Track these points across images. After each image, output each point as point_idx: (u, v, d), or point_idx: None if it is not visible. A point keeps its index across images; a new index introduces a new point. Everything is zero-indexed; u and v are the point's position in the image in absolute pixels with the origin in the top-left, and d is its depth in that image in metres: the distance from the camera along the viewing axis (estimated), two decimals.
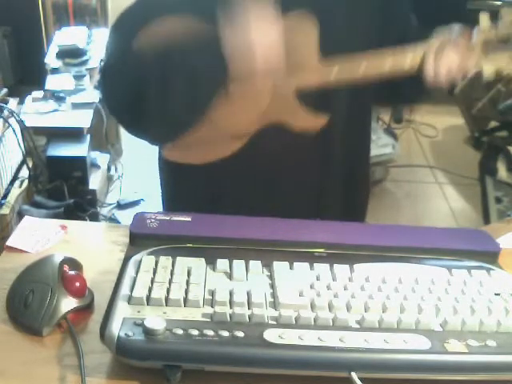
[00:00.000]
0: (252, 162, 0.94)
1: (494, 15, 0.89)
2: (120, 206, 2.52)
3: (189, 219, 0.79)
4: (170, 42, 0.83)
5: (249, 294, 0.65)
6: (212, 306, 0.63)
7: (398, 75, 0.88)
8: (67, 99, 2.35)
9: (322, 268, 0.72)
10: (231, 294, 0.65)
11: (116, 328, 0.59)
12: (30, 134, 2.02)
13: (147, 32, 0.85)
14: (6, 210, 1.83)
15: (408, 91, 1.01)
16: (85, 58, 2.64)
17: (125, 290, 0.64)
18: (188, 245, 0.75)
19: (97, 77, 2.57)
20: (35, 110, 2.27)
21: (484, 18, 0.89)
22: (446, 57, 0.87)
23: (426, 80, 0.89)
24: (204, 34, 0.82)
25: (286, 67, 0.84)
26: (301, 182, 1.01)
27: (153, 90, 0.83)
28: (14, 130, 1.95)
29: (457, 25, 0.90)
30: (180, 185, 1.06)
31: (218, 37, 0.80)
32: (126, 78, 0.85)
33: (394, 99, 1.05)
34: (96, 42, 2.80)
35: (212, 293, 0.66)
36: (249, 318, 0.62)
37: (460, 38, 0.88)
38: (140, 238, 0.75)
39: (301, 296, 0.66)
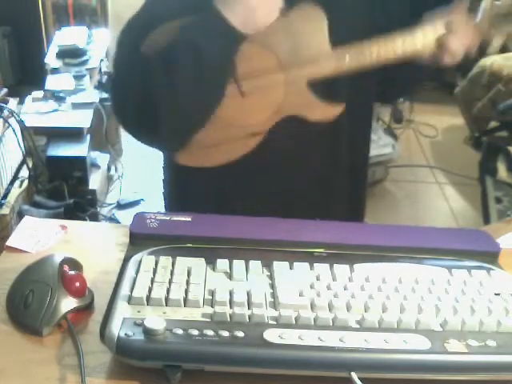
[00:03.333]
0: (262, 163, 0.94)
1: None
2: (120, 206, 2.52)
3: (189, 219, 0.79)
4: (172, 37, 0.83)
5: (249, 294, 0.65)
6: (212, 306, 0.63)
7: (408, 58, 0.89)
8: (67, 99, 2.35)
9: (321, 268, 0.72)
10: (231, 294, 0.65)
11: (116, 328, 0.59)
12: (29, 134, 2.02)
13: (150, 38, 0.85)
14: (6, 210, 1.82)
15: (405, 78, 1.03)
16: (85, 57, 2.64)
17: (125, 290, 0.64)
18: (188, 245, 0.75)
19: (97, 77, 2.57)
20: (35, 110, 2.27)
21: None
22: (459, 33, 0.88)
23: (438, 60, 0.90)
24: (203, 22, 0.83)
25: (298, 58, 0.85)
26: (307, 181, 1.01)
27: (161, 89, 0.82)
28: (14, 130, 1.94)
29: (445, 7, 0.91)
30: (186, 199, 1.05)
31: (216, 17, 0.80)
32: (135, 88, 0.85)
33: (390, 87, 1.05)
34: (96, 42, 2.80)
35: (212, 293, 0.65)
36: (249, 318, 0.62)
37: (459, 14, 0.89)
38: (140, 238, 0.75)
39: (301, 296, 0.66)
